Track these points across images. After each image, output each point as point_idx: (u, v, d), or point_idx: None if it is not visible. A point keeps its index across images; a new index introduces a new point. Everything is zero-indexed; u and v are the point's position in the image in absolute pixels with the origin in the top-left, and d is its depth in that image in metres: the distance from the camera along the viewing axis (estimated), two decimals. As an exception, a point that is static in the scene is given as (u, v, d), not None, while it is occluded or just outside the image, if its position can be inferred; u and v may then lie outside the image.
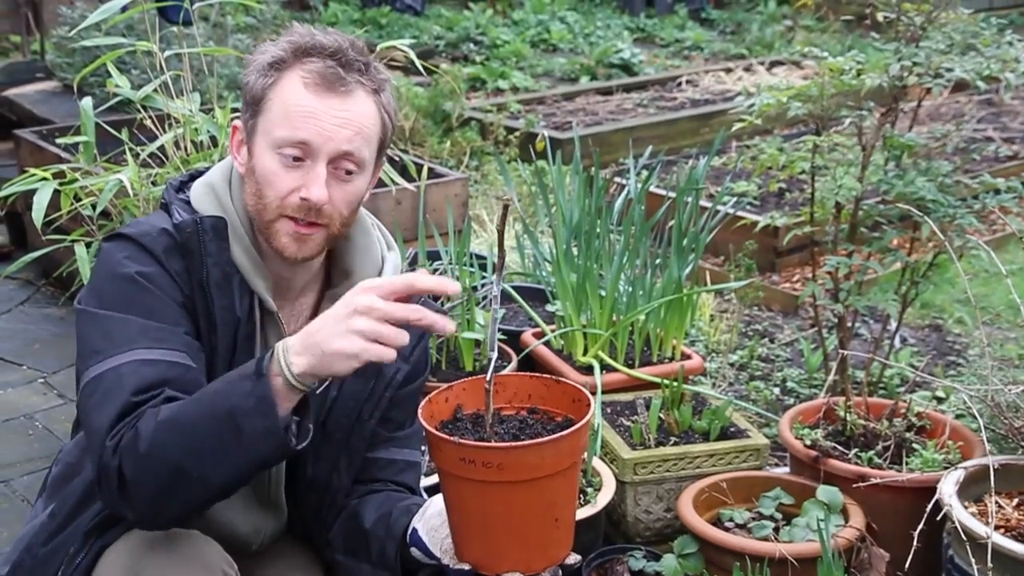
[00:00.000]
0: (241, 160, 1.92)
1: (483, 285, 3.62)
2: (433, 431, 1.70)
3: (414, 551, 1.88)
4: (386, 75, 1.92)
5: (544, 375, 1.90)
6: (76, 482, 1.95)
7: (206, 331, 1.87)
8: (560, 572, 1.77)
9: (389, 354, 1.64)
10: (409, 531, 1.89)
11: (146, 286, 1.82)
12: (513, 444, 1.70)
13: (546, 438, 1.68)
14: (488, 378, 1.73)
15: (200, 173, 2.00)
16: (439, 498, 1.88)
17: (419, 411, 1.75)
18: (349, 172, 1.86)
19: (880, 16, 3.21)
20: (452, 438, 1.68)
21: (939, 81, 3.06)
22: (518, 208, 3.87)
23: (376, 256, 2.02)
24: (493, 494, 1.67)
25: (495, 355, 1.74)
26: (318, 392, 1.75)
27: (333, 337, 1.64)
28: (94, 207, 2.85)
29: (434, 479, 2.84)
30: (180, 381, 1.76)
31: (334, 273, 2.03)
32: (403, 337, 1.64)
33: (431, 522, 1.86)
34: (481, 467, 1.64)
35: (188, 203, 1.93)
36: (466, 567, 1.76)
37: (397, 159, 3.32)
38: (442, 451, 1.69)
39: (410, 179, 3.56)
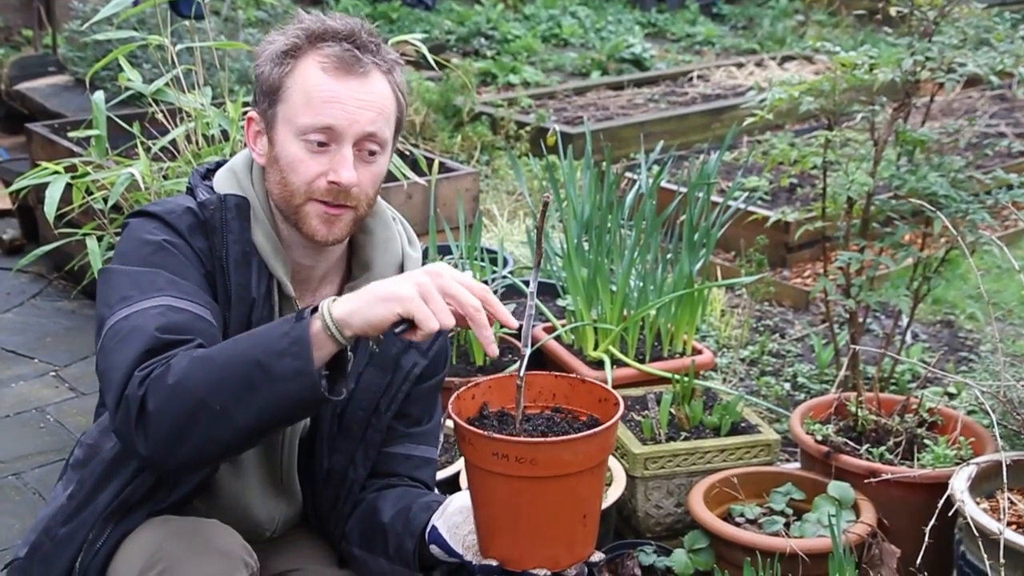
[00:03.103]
0: (260, 151, 1.94)
1: (493, 280, 3.62)
2: (467, 426, 1.71)
3: (433, 548, 1.88)
4: (395, 55, 1.94)
5: (569, 375, 1.91)
6: (95, 463, 1.96)
7: (222, 307, 1.89)
8: (586, 569, 1.78)
9: (430, 321, 1.63)
10: (428, 528, 1.89)
11: (173, 251, 1.85)
12: (548, 439, 1.71)
13: (581, 434, 1.70)
14: (520, 374, 1.74)
15: (225, 163, 2.02)
16: (460, 496, 1.89)
17: (449, 406, 1.75)
18: (372, 153, 1.89)
19: (893, 11, 3.20)
20: (486, 432, 1.69)
21: (952, 76, 3.05)
22: (529, 203, 3.86)
23: (396, 250, 2.04)
24: (524, 489, 1.68)
25: (529, 351, 1.75)
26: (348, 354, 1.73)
27: (390, 283, 1.66)
28: (106, 201, 2.86)
29: (444, 474, 2.85)
30: (206, 333, 1.77)
31: (354, 265, 2.04)
32: (450, 319, 1.65)
33: (452, 519, 1.86)
34: (514, 462, 1.65)
35: (212, 188, 1.95)
36: (492, 563, 1.76)
37: (408, 153, 3.32)
38: (474, 446, 1.69)
39: (421, 173, 3.56)
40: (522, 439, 1.70)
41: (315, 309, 1.68)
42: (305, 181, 1.85)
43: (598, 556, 1.81)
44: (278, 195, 1.91)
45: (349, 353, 1.73)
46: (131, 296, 1.78)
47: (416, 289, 1.64)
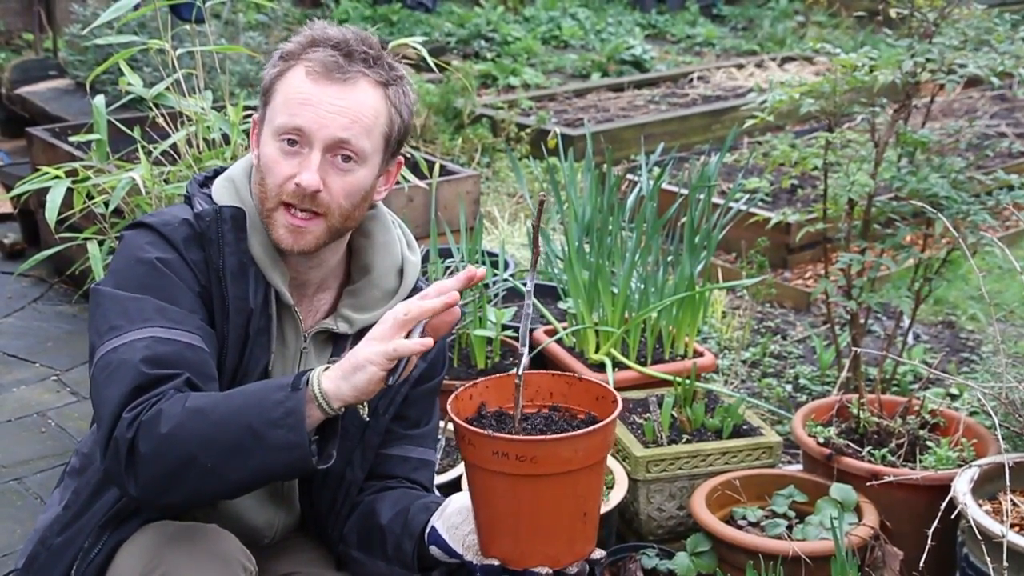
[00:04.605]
0: (256, 152, 1.93)
1: (495, 283, 3.62)
2: (467, 426, 1.71)
3: (433, 549, 1.88)
4: (401, 72, 1.93)
5: (566, 373, 1.91)
6: (90, 472, 1.96)
7: (219, 320, 1.89)
8: (587, 567, 1.78)
9: (415, 347, 1.67)
10: (428, 529, 1.89)
11: (165, 272, 1.84)
12: (549, 437, 1.71)
13: (581, 431, 1.70)
14: (519, 373, 1.74)
15: (224, 170, 2.02)
16: (458, 496, 1.89)
17: (448, 407, 1.75)
18: (347, 160, 1.86)
19: (893, 12, 3.20)
20: (487, 431, 1.69)
21: (952, 77, 3.05)
22: (530, 205, 3.86)
23: (396, 254, 2.03)
24: (525, 488, 1.68)
25: (526, 350, 1.75)
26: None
27: (360, 351, 1.69)
28: (107, 205, 2.86)
29: (445, 478, 2.85)
30: (195, 363, 1.78)
31: (353, 270, 2.04)
32: (427, 341, 1.68)
33: (451, 520, 1.86)
34: (514, 460, 1.66)
35: (210, 196, 1.95)
36: (494, 562, 1.76)
37: (409, 156, 3.31)
38: (475, 445, 1.70)
39: (422, 176, 3.56)
40: (522, 437, 1.71)
41: (307, 380, 1.72)
42: (276, 183, 1.85)
43: (599, 553, 1.81)
44: (257, 196, 1.91)
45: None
46: (119, 326, 1.79)
47: (377, 341, 1.69)
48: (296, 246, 1.88)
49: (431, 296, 1.71)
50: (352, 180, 1.88)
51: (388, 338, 1.68)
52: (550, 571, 1.74)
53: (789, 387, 3.98)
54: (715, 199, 3.90)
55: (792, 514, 2.84)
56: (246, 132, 2.98)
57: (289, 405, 1.68)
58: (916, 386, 3.74)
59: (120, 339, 1.77)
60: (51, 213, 2.72)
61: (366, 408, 1.82)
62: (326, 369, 1.72)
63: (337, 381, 1.70)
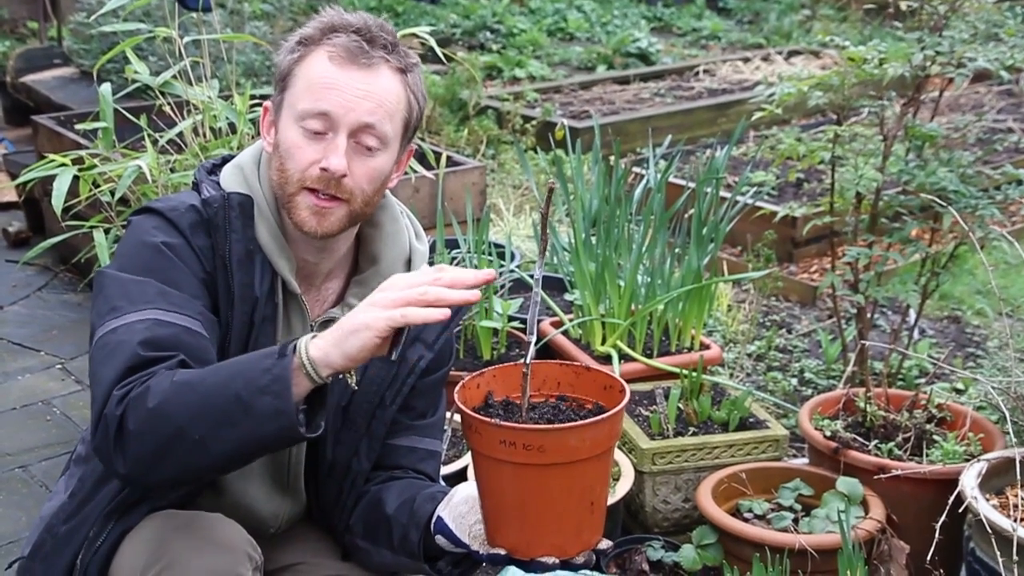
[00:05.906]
0: (270, 139, 1.93)
1: (501, 274, 3.62)
2: (473, 414, 1.70)
3: (439, 539, 1.87)
4: (415, 59, 1.92)
5: (574, 363, 1.90)
6: (95, 460, 1.94)
7: (224, 307, 1.88)
8: (593, 557, 1.78)
9: (433, 314, 1.61)
10: (434, 519, 1.89)
11: (170, 256, 1.83)
12: (556, 426, 1.70)
13: (588, 420, 1.69)
14: (526, 361, 1.73)
15: (232, 157, 2.01)
16: (465, 486, 1.88)
17: (455, 395, 1.74)
18: (370, 147, 1.86)
19: (903, 5, 3.19)
20: (494, 420, 1.68)
21: (962, 71, 3.04)
22: (537, 196, 3.85)
23: (404, 243, 2.02)
24: (532, 477, 1.67)
25: (535, 338, 1.75)
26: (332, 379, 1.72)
27: (356, 314, 1.64)
28: (112, 193, 2.85)
29: (451, 468, 2.85)
30: (193, 348, 1.76)
31: (361, 259, 2.03)
32: (442, 310, 1.62)
33: (458, 509, 1.85)
34: (522, 449, 1.64)
35: (218, 183, 1.94)
36: (500, 552, 1.76)
37: (415, 147, 3.31)
38: (481, 434, 1.68)
39: (428, 167, 3.56)
40: (529, 426, 1.70)
41: (294, 347, 1.67)
42: (299, 168, 1.84)
43: (606, 543, 1.80)
44: (276, 182, 1.89)
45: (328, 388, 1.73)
46: (120, 307, 1.77)
47: (391, 307, 1.63)
48: (320, 228, 1.86)
49: (444, 282, 1.65)
50: (375, 165, 1.87)
51: (393, 306, 1.63)
52: (557, 561, 1.73)
53: (794, 381, 3.98)
54: (722, 192, 3.89)
55: (798, 507, 2.83)
56: (252, 121, 2.98)
57: (276, 372, 1.64)
58: (922, 380, 3.73)
59: (120, 320, 1.76)
60: (57, 201, 2.71)
61: (354, 377, 1.76)
62: (315, 337, 1.67)
63: (326, 348, 1.65)
